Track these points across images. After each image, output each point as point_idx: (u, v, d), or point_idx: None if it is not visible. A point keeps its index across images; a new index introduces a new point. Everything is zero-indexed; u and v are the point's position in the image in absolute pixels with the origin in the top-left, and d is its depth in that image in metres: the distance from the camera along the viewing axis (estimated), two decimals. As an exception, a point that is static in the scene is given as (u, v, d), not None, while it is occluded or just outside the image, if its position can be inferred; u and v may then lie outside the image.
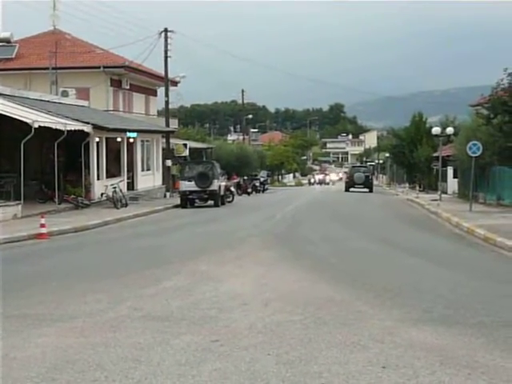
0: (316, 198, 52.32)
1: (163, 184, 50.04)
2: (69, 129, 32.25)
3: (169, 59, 51.32)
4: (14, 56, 51.14)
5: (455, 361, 7.96)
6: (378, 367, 7.71)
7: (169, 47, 51.09)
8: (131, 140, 43.68)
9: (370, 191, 64.35)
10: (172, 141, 53.87)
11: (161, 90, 57.60)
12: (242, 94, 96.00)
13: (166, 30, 51.19)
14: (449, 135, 50.18)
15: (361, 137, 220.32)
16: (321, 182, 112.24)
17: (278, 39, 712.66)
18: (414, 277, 14.51)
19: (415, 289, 12.88)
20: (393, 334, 9.14)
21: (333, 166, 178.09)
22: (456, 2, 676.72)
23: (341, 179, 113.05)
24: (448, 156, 49.34)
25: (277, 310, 10.76)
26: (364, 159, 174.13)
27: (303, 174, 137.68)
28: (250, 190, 59.80)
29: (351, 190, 64.68)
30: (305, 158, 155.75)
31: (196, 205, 40.24)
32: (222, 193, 41.52)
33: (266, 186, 68.31)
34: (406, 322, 9.90)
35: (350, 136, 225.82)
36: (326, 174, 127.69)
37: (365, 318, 10.11)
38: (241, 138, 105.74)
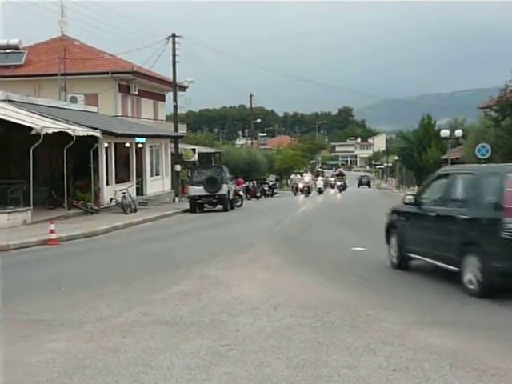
0: (324, 202, 52.31)
1: (172, 189, 50.05)
2: (78, 134, 32.29)
3: (177, 64, 51.42)
4: (22, 63, 51.23)
5: (465, 363, 7.96)
6: (388, 370, 7.72)
7: (177, 52, 51.17)
8: (140, 145, 43.72)
9: (369, 187, 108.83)
10: (181, 146, 53.91)
11: (169, 95, 57.62)
12: (251, 99, 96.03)
13: (173, 35, 51.28)
14: (457, 138, 50.13)
15: (369, 140, 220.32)
16: (305, 190, 64.82)
17: (286, 43, 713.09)
18: (423, 279, 14.46)
19: (424, 291, 12.85)
20: (402, 337, 9.14)
21: (341, 169, 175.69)
22: (464, 5, 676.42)
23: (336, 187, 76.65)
24: (457, 158, 49.17)
25: (286, 313, 10.76)
26: (373, 162, 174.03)
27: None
28: (258, 194, 59.88)
29: (360, 187, 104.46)
30: (314, 161, 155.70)
31: (205, 209, 40.25)
32: (231, 197, 41.53)
33: (275, 190, 68.28)
34: (415, 325, 9.89)
35: (359, 139, 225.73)
36: (318, 175, 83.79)
37: (374, 322, 10.11)
38: (249, 142, 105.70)
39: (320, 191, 68.87)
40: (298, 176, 75.91)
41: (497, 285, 12.45)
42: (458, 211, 13.56)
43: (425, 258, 15.10)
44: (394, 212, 17.45)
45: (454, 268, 13.41)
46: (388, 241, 17.17)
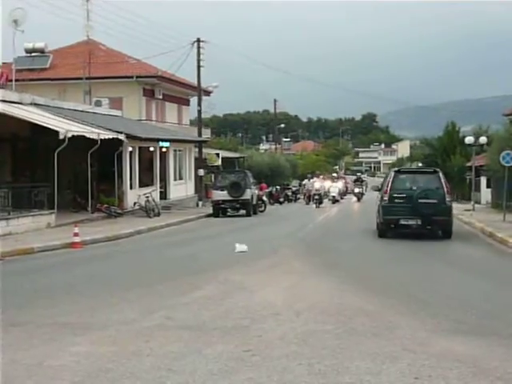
0: (348, 208, 52.17)
1: (195, 193, 50.16)
2: (102, 138, 32.47)
3: (201, 69, 51.55)
4: (48, 66, 51.56)
5: (488, 372, 7.90)
6: (411, 378, 7.68)
7: (201, 57, 51.32)
8: (164, 149, 43.87)
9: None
10: (204, 150, 54.04)
11: (193, 100, 57.79)
12: (275, 104, 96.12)
13: (198, 40, 51.42)
14: (482, 145, 49.83)
15: (393, 146, 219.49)
16: (316, 199, 52.69)
17: (310, 48, 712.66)
18: (446, 286, 14.44)
19: (447, 299, 12.82)
20: (425, 345, 9.10)
21: (365, 175, 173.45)
22: (493, 11, 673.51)
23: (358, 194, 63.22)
24: (481, 166, 49.02)
25: (309, 319, 10.75)
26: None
27: None
28: (281, 200, 59.66)
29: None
30: (337, 167, 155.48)
31: (228, 214, 40.28)
32: (254, 202, 41.54)
33: (298, 196, 68.08)
34: (438, 333, 9.85)
35: (383, 145, 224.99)
36: (333, 181, 70.76)
37: (397, 329, 10.07)
38: (273, 147, 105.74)
39: (334, 200, 58.72)
40: (312, 181, 61.19)
41: (382, 230, 25.82)
42: (381, 193, 26.75)
43: (377, 221, 26.68)
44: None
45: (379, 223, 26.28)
46: None
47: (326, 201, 56.22)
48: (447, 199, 25.42)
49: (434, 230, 25.90)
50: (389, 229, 25.87)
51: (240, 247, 20.82)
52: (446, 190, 25.53)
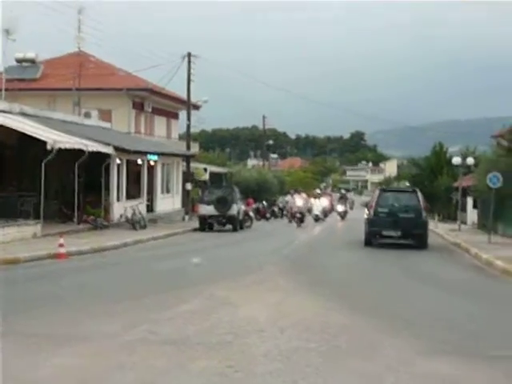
0: (331, 227, 52.12)
1: (182, 207, 50.08)
2: (90, 150, 32.42)
3: (191, 83, 51.58)
4: (38, 76, 51.53)
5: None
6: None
7: (192, 71, 51.33)
8: (152, 163, 43.84)
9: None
10: (192, 164, 53.97)
11: (183, 114, 57.77)
12: (263, 120, 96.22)
13: (189, 55, 51.41)
14: (469, 166, 50.04)
15: (381, 165, 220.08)
16: (298, 217, 48.18)
17: (300, 67, 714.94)
18: (430, 306, 14.46)
19: (432, 319, 12.82)
20: (409, 365, 9.10)
21: (352, 193, 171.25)
22: (481, 36, 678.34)
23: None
24: (468, 186, 49.14)
25: (293, 337, 10.72)
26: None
27: None
28: (268, 216, 59.55)
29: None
30: (324, 184, 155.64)
31: (214, 229, 40.24)
32: (240, 217, 41.52)
33: (285, 212, 67.80)
34: (422, 353, 9.84)
35: (370, 164, 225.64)
36: (316, 197, 65.03)
37: (381, 348, 10.07)
38: (261, 163, 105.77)
39: (316, 218, 54.68)
40: (295, 196, 55.32)
41: (368, 239, 30.25)
42: (368, 208, 31.37)
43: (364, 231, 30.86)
44: None
45: None
46: None
47: (309, 218, 53.29)
48: (423, 215, 30.09)
49: (411, 241, 30.08)
50: (374, 238, 30.26)
51: (195, 260, 21.14)
52: (422, 206, 30.20)
